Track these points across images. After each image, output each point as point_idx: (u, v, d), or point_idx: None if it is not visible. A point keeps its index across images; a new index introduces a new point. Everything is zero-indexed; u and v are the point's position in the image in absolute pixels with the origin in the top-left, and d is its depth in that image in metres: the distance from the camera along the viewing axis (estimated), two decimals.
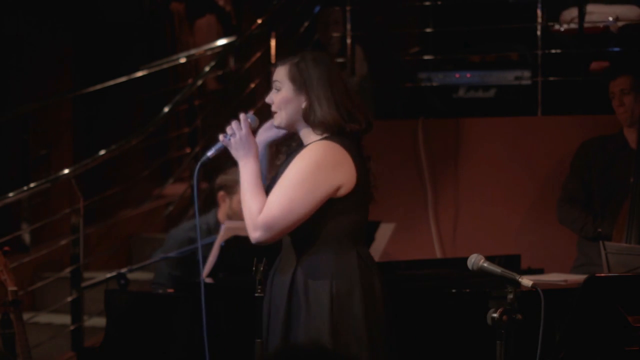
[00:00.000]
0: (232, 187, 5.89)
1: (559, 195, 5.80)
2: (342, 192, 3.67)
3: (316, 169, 3.65)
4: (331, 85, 3.74)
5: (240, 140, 3.71)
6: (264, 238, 3.64)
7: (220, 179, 6.04)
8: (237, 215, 5.85)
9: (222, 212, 5.97)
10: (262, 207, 3.64)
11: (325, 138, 3.71)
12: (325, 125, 3.71)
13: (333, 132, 3.73)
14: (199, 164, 3.80)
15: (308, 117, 3.73)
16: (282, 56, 3.86)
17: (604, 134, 5.77)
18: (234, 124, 3.73)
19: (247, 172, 3.70)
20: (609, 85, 5.64)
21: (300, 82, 3.75)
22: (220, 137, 3.76)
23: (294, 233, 3.68)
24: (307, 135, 3.77)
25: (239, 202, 5.88)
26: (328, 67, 3.77)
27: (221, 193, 5.95)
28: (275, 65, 3.83)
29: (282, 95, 3.77)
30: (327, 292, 3.63)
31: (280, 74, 3.78)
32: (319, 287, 3.64)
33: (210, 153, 3.77)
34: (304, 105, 3.74)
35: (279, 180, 3.67)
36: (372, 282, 3.71)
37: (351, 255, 3.69)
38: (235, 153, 3.72)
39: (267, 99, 3.79)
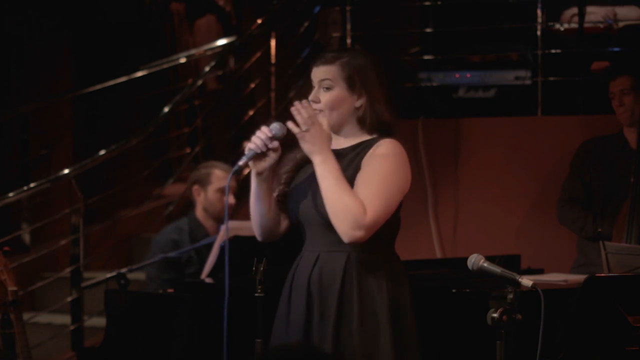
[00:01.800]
0: (205, 179, 6.01)
1: (559, 195, 5.80)
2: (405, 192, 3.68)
3: (401, 167, 3.63)
4: (382, 84, 3.73)
5: (315, 133, 3.58)
6: (365, 238, 3.55)
7: (192, 175, 6.15)
8: (213, 205, 5.97)
9: (199, 208, 6.05)
10: (362, 204, 3.53)
11: (380, 137, 3.70)
12: (383, 124, 3.72)
13: (385, 131, 3.73)
14: (231, 173, 3.72)
15: (364, 117, 3.70)
16: (323, 54, 3.78)
17: (604, 134, 5.77)
18: (303, 115, 3.57)
19: (333, 166, 3.57)
20: (609, 85, 5.64)
21: (355, 82, 3.70)
22: (262, 139, 3.61)
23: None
24: (354, 134, 3.73)
25: (214, 192, 5.99)
26: (376, 65, 3.74)
27: (195, 187, 6.05)
28: (320, 63, 3.73)
29: (335, 95, 3.69)
30: (384, 292, 3.63)
31: (332, 73, 3.69)
32: (380, 288, 3.64)
33: (242, 162, 3.63)
34: (357, 104, 3.71)
35: (366, 177, 3.58)
36: (404, 288, 3.72)
37: (395, 257, 3.73)
38: (311, 148, 3.59)
39: (313, 97, 3.69)
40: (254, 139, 3.63)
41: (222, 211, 5.91)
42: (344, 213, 3.52)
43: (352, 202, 3.52)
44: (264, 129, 3.65)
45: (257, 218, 3.75)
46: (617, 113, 5.62)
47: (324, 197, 3.56)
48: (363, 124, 3.73)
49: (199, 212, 6.05)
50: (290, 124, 3.61)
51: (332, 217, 3.55)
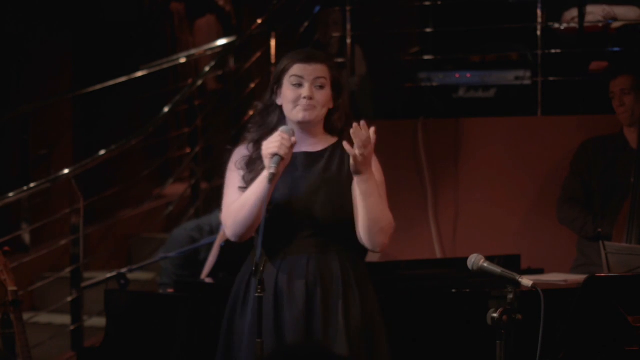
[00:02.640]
0: None
1: (559, 195, 5.80)
2: None
3: None
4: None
5: (369, 154, 3.64)
6: None
7: None
8: None
9: None
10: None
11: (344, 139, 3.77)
12: (346, 127, 3.77)
13: (342, 134, 3.80)
14: (267, 181, 3.62)
15: (338, 118, 3.80)
16: (315, 50, 3.87)
17: (604, 134, 5.77)
18: (361, 138, 3.58)
19: (375, 182, 3.69)
20: (610, 85, 5.64)
21: (338, 86, 3.81)
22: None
23: (343, 234, 3.74)
24: (320, 135, 3.80)
25: None
26: None
27: None
28: (312, 61, 3.78)
29: (327, 94, 3.78)
30: (368, 280, 3.81)
31: (325, 72, 3.78)
32: (367, 282, 3.79)
33: (273, 169, 3.62)
34: (332, 105, 3.80)
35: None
36: None
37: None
38: (360, 168, 3.64)
39: (309, 94, 3.73)
40: (278, 146, 3.63)
41: None
42: (387, 228, 3.69)
43: (391, 217, 3.71)
44: (283, 135, 3.67)
45: (250, 220, 3.71)
46: (617, 113, 5.62)
47: (367, 212, 3.65)
48: (331, 125, 3.81)
49: None
50: (346, 145, 3.63)
51: (374, 230, 3.67)
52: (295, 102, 3.76)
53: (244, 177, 3.78)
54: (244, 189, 3.75)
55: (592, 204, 5.64)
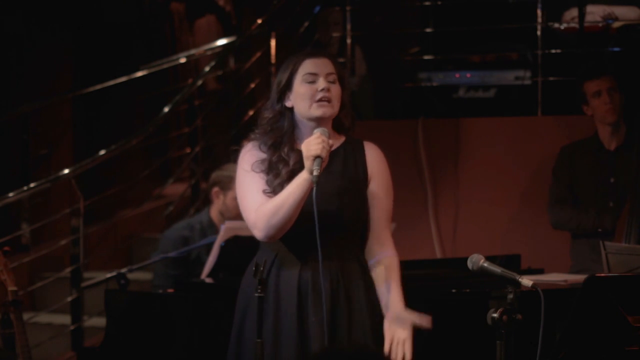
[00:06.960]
0: (227, 184, 5.88)
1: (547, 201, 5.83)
2: None
3: None
4: None
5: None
6: None
7: (216, 175, 6.04)
8: (229, 211, 5.86)
9: (215, 209, 5.98)
10: None
11: (350, 137, 3.83)
12: (352, 124, 3.83)
13: (347, 131, 3.84)
14: (315, 184, 3.60)
15: (346, 115, 3.80)
16: (319, 47, 3.88)
17: (580, 138, 5.82)
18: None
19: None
20: (592, 83, 5.61)
21: (343, 82, 3.78)
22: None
23: (359, 234, 3.83)
24: (333, 133, 3.78)
25: (233, 199, 5.92)
26: None
27: (215, 189, 5.96)
28: (321, 55, 3.77)
29: (339, 89, 3.76)
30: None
31: (334, 67, 3.76)
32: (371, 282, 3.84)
33: (317, 172, 3.59)
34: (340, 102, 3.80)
35: (390, 190, 3.88)
36: None
37: None
38: None
39: (323, 85, 3.70)
40: (320, 148, 3.59)
41: (237, 218, 5.87)
42: None
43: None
44: (322, 137, 3.62)
45: (287, 222, 3.65)
46: (601, 110, 5.60)
47: None
48: (339, 121, 3.80)
49: (214, 213, 5.97)
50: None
51: None
52: (312, 98, 3.70)
53: (268, 182, 3.72)
54: (269, 192, 3.70)
55: (578, 205, 5.67)
